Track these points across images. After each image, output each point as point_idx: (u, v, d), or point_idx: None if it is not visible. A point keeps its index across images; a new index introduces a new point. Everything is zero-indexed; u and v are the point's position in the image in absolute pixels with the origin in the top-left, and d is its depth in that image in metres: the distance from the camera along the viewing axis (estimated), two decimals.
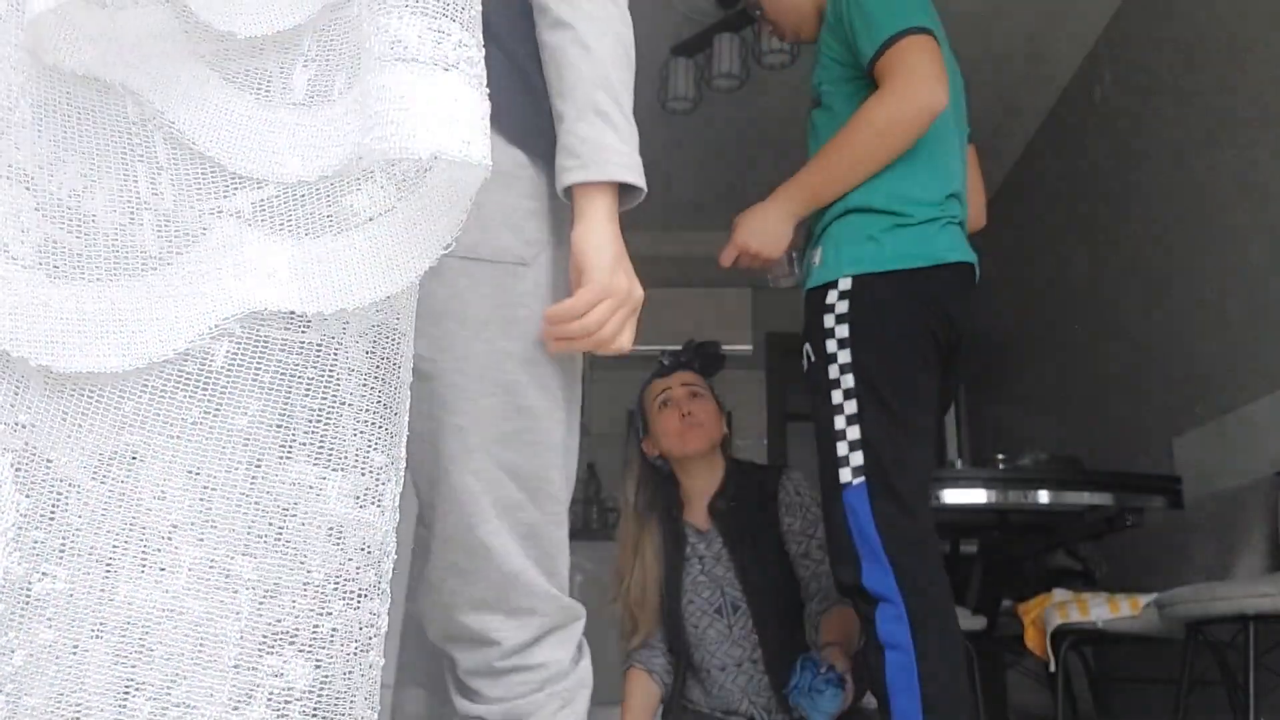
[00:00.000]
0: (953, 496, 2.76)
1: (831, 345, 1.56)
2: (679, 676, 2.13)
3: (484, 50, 0.67)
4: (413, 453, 0.87)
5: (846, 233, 1.61)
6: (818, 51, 1.73)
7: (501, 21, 0.97)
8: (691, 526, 2.12)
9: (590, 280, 0.98)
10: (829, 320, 1.57)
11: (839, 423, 1.53)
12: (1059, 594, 2.78)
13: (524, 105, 1.03)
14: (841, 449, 1.52)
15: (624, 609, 2.10)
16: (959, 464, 3.56)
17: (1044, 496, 2.78)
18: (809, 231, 1.78)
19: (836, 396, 1.55)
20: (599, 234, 0.98)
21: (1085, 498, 2.72)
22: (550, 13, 1.01)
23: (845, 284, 1.57)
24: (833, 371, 1.56)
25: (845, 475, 1.51)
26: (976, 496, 2.76)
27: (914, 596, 1.44)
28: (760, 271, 1.84)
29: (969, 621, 2.81)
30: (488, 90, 0.65)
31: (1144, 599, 2.48)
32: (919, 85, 1.54)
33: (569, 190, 1.00)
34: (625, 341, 1.02)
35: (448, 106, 0.63)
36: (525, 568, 1.04)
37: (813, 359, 1.60)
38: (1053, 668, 2.67)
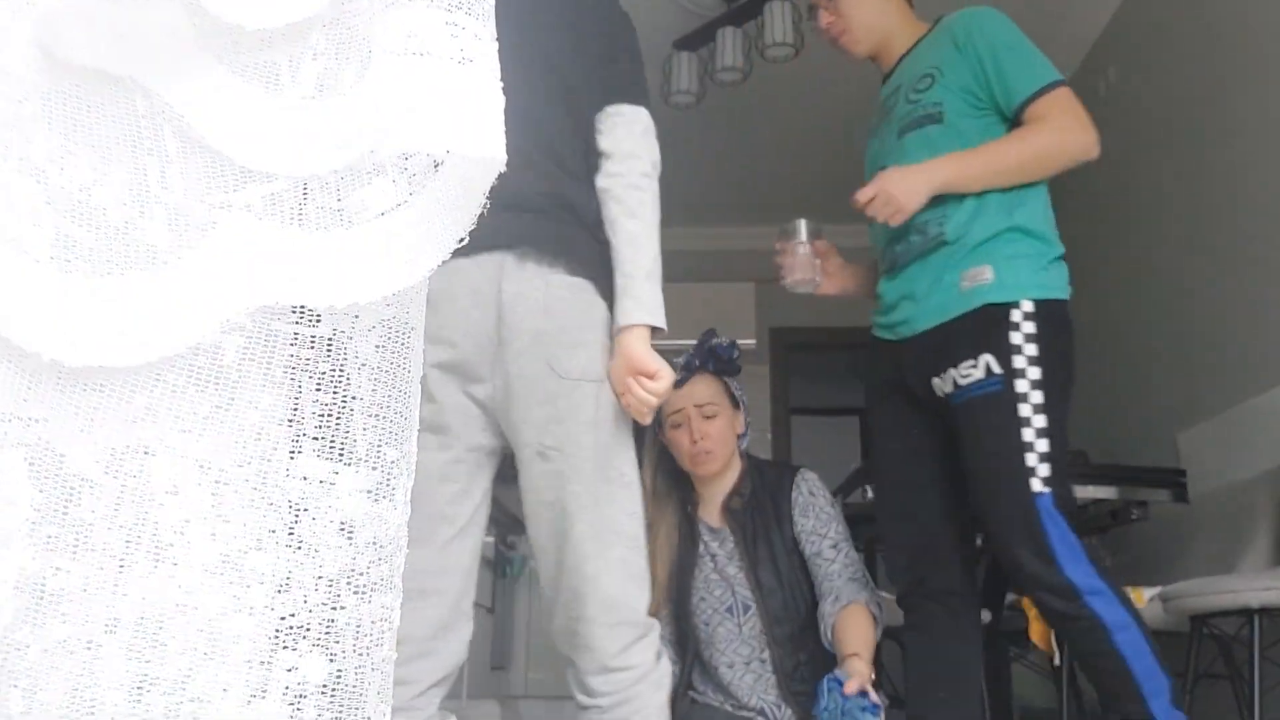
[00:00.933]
0: None
1: (1020, 361, 1.70)
2: (685, 668, 2.13)
3: (495, 44, 0.67)
4: (542, 511, 1.42)
5: (1019, 256, 1.77)
6: (934, 76, 1.88)
7: (590, 209, 1.48)
8: (705, 524, 2.12)
9: (662, 375, 1.45)
10: (1016, 337, 1.71)
11: (1027, 435, 1.69)
12: None
13: (607, 273, 1.47)
14: (1030, 460, 1.68)
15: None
16: None
17: None
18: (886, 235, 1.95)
19: (1025, 410, 1.70)
20: (648, 348, 1.45)
21: (1090, 491, 2.71)
22: (608, 195, 1.49)
23: (1028, 305, 1.72)
24: (1020, 386, 1.71)
25: (1036, 485, 1.68)
26: None
27: (1114, 583, 1.70)
28: (785, 276, 2.01)
29: None
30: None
31: (1149, 592, 2.48)
32: (1085, 131, 1.77)
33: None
34: (648, 419, 1.50)
35: (462, 100, 0.63)
36: (620, 593, 1.43)
37: (995, 371, 1.71)
38: (1057, 661, 2.67)
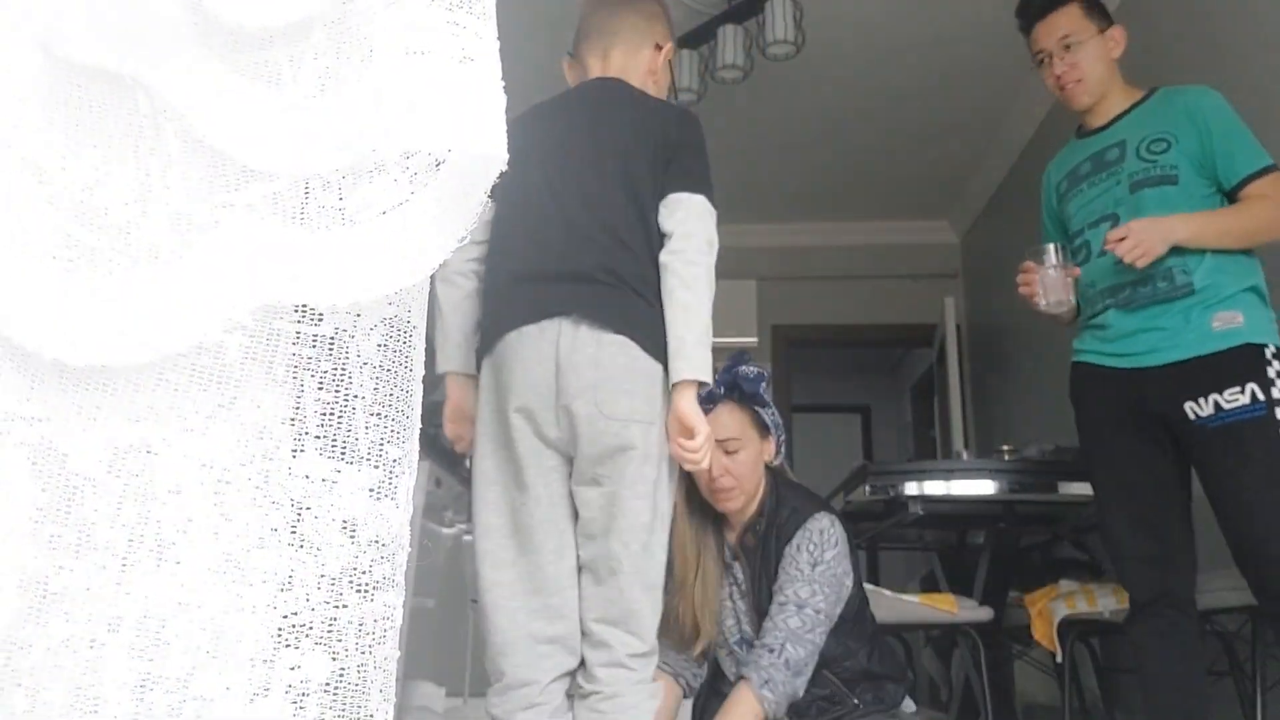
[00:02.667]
0: (959, 488, 2.77)
1: (1277, 392, 1.96)
2: (710, 673, 2.12)
3: (498, 42, 0.67)
4: (592, 530, 1.65)
5: (1258, 307, 2.04)
6: (1169, 141, 2.12)
7: (645, 280, 1.69)
8: (730, 548, 2.09)
9: (699, 431, 1.65)
10: (1271, 372, 1.97)
11: None
12: (1065, 585, 2.79)
13: (656, 333, 1.68)
14: None
15: (686, 610, 2.00)
16: (965, 455, 3.55)
17: (1050, 487, 2.78)
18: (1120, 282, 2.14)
19: None
20: (695, 403, 1.66)
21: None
22: (667, 269, 1.70)
23: (1272, 349, 1.98)
24: None
25: None
26: (983, 488, 2.76)
27: None
28: (1039, 298, 2.17)
29: (975, 613, 2.81)
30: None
31: None
32: None
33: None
34: (708, 463, 1.71)
35: (464, 99, 0.63)
36: (641, 605, 1.66)
37: (1260, 398, 1.95)
38: (1059, 658, 2.67)
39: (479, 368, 1.74)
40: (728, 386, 2.02)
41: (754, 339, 5.64)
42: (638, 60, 1.93)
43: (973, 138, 4.85)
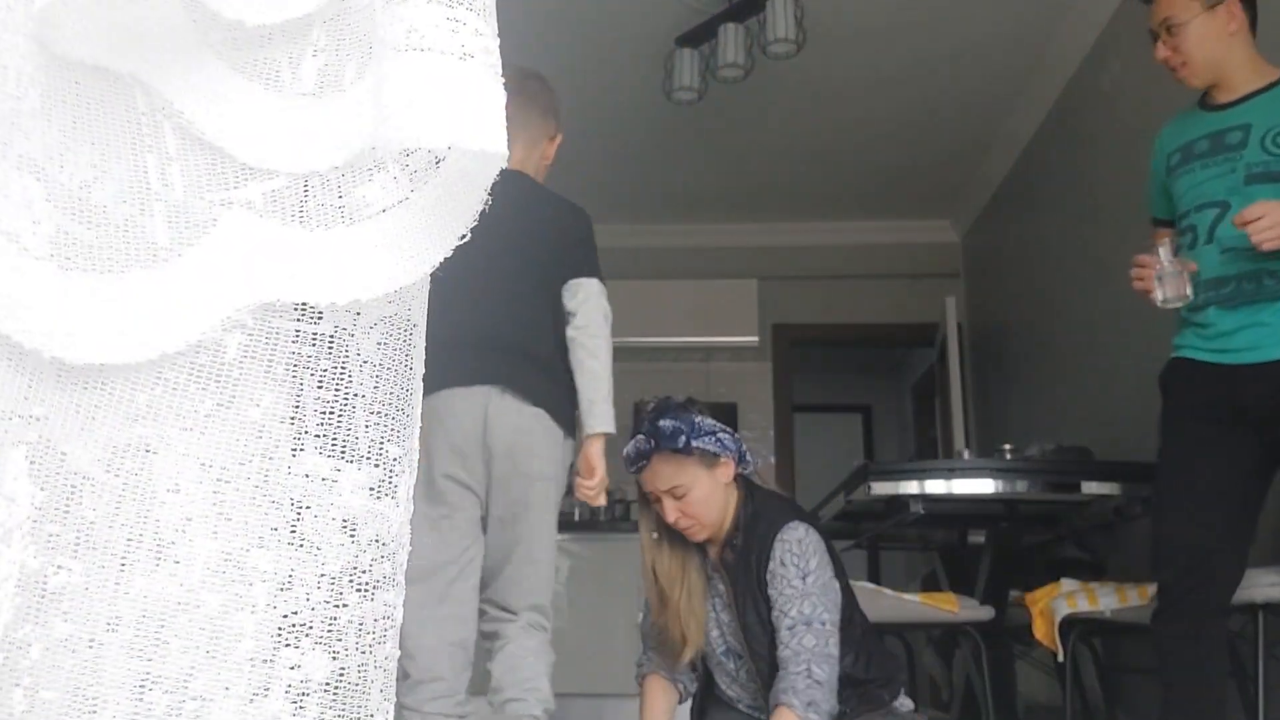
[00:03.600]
0: (961, 487, 2.76)
1: None
2: (705, 679, 2.13)
3: (498, 40, 0.67)
4: (499, 549, 2.15)
5: None
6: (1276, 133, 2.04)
7: (553, 357, 2.18)
8: (711, 563, 2.09)
9: (597, 473, 2.19)
10: None
11: None
12: (1066, 584, 2.78)
13: (563, 405, 2.17)
14: None
15: (674, 623, 2.01)
16: (966, 454, 3.55)
17: (1052, 486, 2.78)
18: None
19: None
20: (599, 450, 2.18)
21: (1094, 487, 2.71)
22: (575, 343, 2.18)
23: None
24: None
25: None
26: (984, 487, 2.76)
27: None
28: (1156, 293, 2.12)
29: (977, 612, 2.81)
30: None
31: (1152, 588, 2.48)
32: None
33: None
34: (603, 500, 2.28)
35: (463, 96, 0.62)
36: (544, 587, 2.18)
37: None
38: (1060, 657, 2.67)
39: None
40: (654, 440, 1.97)
41: (755, 338, 5.64)
42: (534, 153, 2.36)
43: (974, 136, 4.85)
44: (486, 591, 2.17)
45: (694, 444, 1.97)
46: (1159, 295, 2.10)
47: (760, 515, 2.01)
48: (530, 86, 2.34)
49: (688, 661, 2.06)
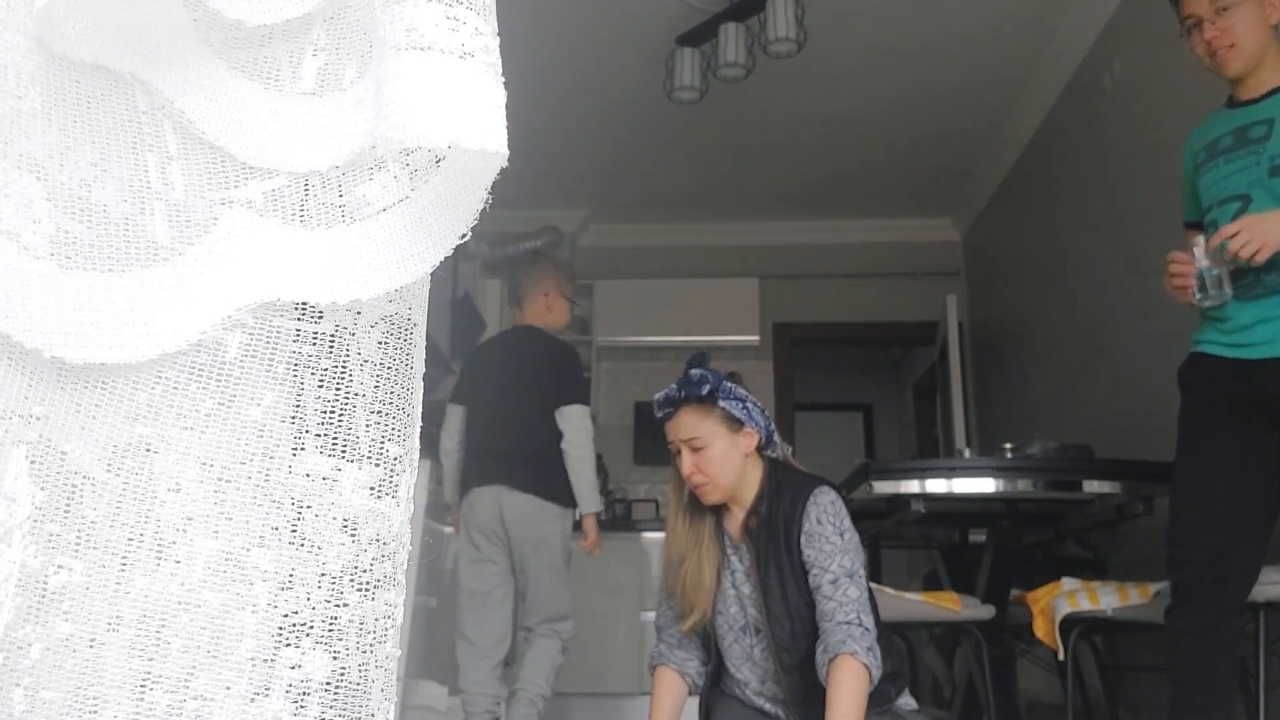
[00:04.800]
0: (961, 486, 2.76)
1: None
2: (713, 667, 2.13)
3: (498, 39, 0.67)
4: (525, 587, 3.21)
5: None
6: None
7: (553, 457, 3.21)
8: (729, 537, 2.09)
9: (592, 538, 3.30)
10: None
11: None
12: (1067, 582, 2.78)
13: (562, 492, 3.20)
14: None
15: (679, 590, 2.06)
16: (967, 453, 3.54)
17: (1053, 485, 2.78)
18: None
19: None
20: (594, 522, 3.29)
21: (1094, 486, 2.71)
22: (567, 454, 3.21)
23: None
24: None
25: None
26: (985, 485, 2.75)
27: None
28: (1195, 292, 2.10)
29: (978, 610, 2.81)
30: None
31: (1154, 587, 2.48)
32: None
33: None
34: (599, 552, 3.39)
35: (464, 95, 0.62)
36: (554, 606, 3.19)
37: None
38: (1062, 656, 2.67)
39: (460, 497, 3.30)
40: (684, 389, 2.03)
41: (755, 337, 5.64)
42: (538, 307, 3.42)
43: (975, 135, 4.85)
44: (520, 613, 3.21)
45: (719, 399, 2.02)
46: (1197, 294, 2.07)
47: (786, 485, 2.05)
48: (540, 263, 3.55)
49: (690, 627, 2.07)
